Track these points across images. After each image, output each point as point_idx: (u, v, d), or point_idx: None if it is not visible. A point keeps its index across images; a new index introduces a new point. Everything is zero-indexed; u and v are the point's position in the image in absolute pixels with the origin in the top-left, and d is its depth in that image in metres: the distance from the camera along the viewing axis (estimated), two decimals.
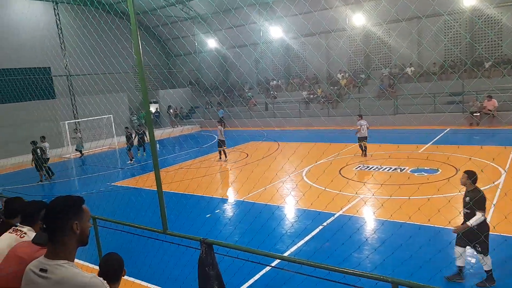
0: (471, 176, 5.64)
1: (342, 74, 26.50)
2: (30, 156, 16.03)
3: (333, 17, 24.24)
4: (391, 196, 9.23)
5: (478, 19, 21.73)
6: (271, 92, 29.12)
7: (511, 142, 14.35)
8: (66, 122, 21.97)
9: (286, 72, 30.16)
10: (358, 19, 23.73)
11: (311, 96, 26.77)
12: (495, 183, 9.96)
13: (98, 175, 15.85)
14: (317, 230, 8.15)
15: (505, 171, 11.07)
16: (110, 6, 26.58)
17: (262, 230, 7.49)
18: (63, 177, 16.80)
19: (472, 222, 5.41)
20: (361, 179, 11.91)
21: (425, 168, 12.15)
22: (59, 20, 23.53)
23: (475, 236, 5.42)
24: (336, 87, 26.04)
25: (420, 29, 23.49)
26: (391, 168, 12.67)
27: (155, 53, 31.35)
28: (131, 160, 18.23)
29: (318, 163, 13.82)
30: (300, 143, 17.79)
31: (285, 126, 23.53)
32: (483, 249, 5.51)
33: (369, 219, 8.75)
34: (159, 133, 25.46)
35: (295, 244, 7.54)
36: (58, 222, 2.12)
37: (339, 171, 12.82)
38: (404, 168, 12.40)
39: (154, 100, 31.44)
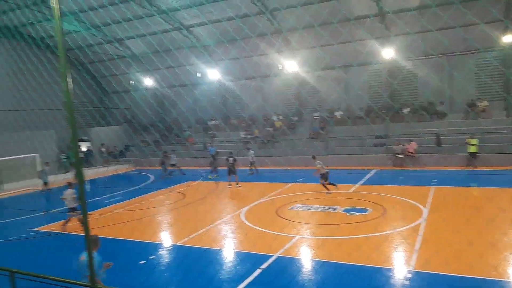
0: None
1: (277, 117, 27.66)
2: None
3: (269, 63, 25.71)
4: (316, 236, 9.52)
5: (400, 70, 24.06)
6: (209, 132, 29.32)
7: (429, 182, 15.78)
8: None
9: (226, 112, 30.59)
10: (291, 66, 25.36)
11: (249, 136, 27.39)
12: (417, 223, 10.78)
13: (19, 219, 14.52)
14: (255, 273, 8.14)
15: (425, 207, 12.05)
16: (42, 40, 25.49)
17: (192, 275, 7.32)
18: None
19: None
20: (291, 218, 12.19)
21: (357, 207, 12.80)
22: None
23: None
24: (272, 129, 26.96)
25: (348, 76, 25.46)
26: (324, 207, 13.18)
27: (91, 90, 30.26)
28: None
29: (254, 203, 13.95)
30: (240, 182, 17.93)
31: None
32: None
33: (306, 260, 8.92)
34: (92, 173, 24.22)
35: None
36: None
37: (276, 211, 13.05)
38: (336, 208, 12.98)
39: (86, 137, 29.99)
